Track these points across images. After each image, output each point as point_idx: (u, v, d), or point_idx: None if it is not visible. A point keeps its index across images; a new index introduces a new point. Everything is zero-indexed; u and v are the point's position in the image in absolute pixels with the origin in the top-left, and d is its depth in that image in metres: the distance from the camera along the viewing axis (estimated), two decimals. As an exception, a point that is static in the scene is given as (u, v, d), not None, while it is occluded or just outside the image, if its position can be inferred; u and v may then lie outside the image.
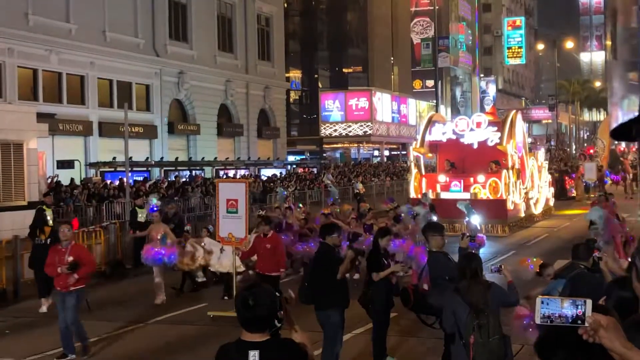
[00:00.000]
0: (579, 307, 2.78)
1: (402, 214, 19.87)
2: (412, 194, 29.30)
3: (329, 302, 9.84)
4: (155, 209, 18.35)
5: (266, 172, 47.80)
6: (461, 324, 7.37)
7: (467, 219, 19.52)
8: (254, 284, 4.64)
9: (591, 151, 56.57)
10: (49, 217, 17.71)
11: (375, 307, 10.33)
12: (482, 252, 19.17)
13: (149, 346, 12.52)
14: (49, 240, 15.77)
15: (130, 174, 30.19)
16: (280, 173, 47.61)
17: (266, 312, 4.40)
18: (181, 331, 13.42)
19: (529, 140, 35.85)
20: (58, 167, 33.04)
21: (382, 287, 10.30)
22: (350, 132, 68.83)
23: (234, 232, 14.28)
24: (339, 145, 71.67)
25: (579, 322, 2.78)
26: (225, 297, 15.90)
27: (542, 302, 2.72)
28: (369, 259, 10.84)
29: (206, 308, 15.06)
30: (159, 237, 16.17)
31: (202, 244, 16.92)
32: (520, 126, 31.03)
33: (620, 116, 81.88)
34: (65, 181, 31.62)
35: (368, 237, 18.86)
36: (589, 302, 2.80)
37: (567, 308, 2.78)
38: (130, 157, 30.58)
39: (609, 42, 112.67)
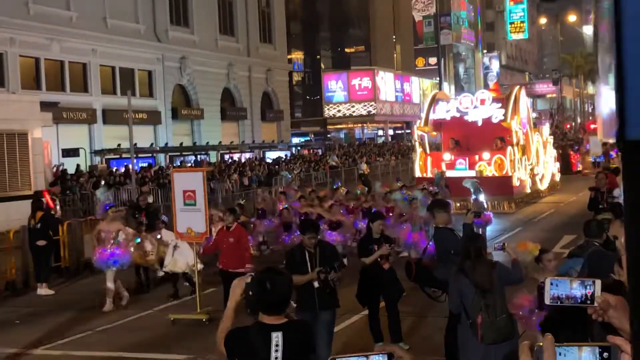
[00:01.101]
0: (588, 287, 2.78)
1: (397, 200, 19.22)
2: (417, 173, 29.31)
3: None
4: (107, 207, 16.19)
5: (271, 155, 47.81)
6: (467, 304, 7.40)
7: (473, 196, 19.51)
8: (270, 268, 4.93)
9: (592, 126, 56.37)
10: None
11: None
12: (489, 230, 19.21)
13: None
14: (39, 225, 16.09)
15: (135, 161, 30.23)
16: (285, 155, 47.60)
17: (282, 295, 4.73)
18: (135, 339, 12.04)
19: (534, 115, 35.72)
20: (63, 156, 33.11)
21: (367, 272, 10.21)
22: (354, 112, 68.70)
23: (193, 226, 13.03)
24: (343, 126, 71.56)
25: (588, 302, 2.79)
26: (171, 299, 14.60)
27: (552, 284, 2.73)
28: (359, 244, 10.95)
29: (167, 310, 13.72)
30: (112, 237, 14.38)
31: (158, 236, 15.53)
32: (524, 102, 30.92)
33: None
34: (70, 169, 31.70)
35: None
36: (598, 282, 2.81)
37: (576, 289, 2.78)
38: (135, 144, 30.62)
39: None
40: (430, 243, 10.44)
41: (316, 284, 8.80)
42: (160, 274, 15.69)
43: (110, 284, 14.17)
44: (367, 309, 10.46)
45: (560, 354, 1.96)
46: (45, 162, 25.20)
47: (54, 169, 29.22)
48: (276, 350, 4.62)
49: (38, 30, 33.92)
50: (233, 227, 12.85)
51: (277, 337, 4.63)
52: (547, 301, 2.75)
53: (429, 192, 19.76)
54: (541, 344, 1.94)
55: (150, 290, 15.70)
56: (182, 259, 14.48)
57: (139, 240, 15.14)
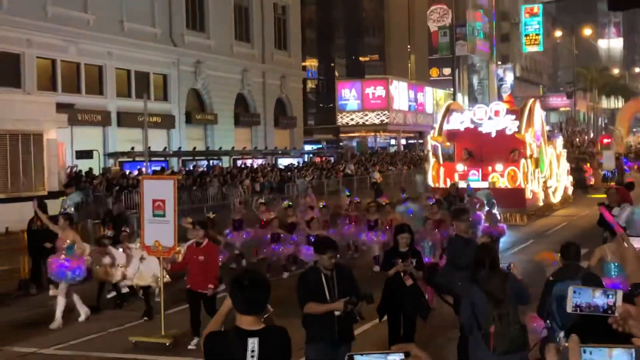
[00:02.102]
0: (610, 296, 2.81)
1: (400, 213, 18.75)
2: (430, 183, 29.34)
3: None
4: (64, 213, 15.16)
5: (283, 162, 47.86)
6: (480, 314, 7.37)
7: (486, 208, 19.47)
8: (248, 269, 4.93)
9: (605, 140, 56.17)
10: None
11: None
12: (502, 241, 19.19)
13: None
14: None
15: (148, 164, 30.33)
16: (298, 162, 47.64)
17: (260, 294, 4.67)
18: None
19: (547, 128, 35.68)
20: (77, 157, 33.23)
21: (389, 286, 9.75)
22: (367, 120, 68.66)
23: (162, 239, 11.69)
24: (356, 134, 71.51)
25: (609, 311, 2.81)
26: (145, 318, 13.43)
27: (575, 292, 2.76)
28: (384, 257, 10.59)
29: (127, 331, 12.66)
30: (64, 246, 13.42)
31: (120, 249, 14.48)
32: (539, 114, 30.93)
33: None
34: (84, 171, 31.82)
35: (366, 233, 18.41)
36: (620, 292, 2.84)
37: (598, 298, 2.81)
38: (149, 147, 30.71)
39: None
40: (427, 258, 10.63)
41: (337, 312, 7.65)
42: (125, 289, 14.60)
43: (60, 297, 13.06)
44: (388, 325, 9.80)
45: (588, 352, 1.98)
46: (60, 164, 25.33)
47: (68, 170, 29.35)
48: (252, 356, 4.58)
49: (55, 32, 34.11)
50: (204, 244, 11.74)
51: (253, 343, 4.59)
52: (569, 309, 2.77)
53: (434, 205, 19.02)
54: (567, 344, 1.96)
55: (101, 315, 14.09)
56: (148, 271, 13.28)
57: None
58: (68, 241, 13.44)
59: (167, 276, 13.35)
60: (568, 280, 7.76)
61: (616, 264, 10.20)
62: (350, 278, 7.99)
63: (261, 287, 4.73)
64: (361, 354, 2.21)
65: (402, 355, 2.19)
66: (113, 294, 14.70)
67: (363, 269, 16.77)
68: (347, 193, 24.56)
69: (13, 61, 32.80)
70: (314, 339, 7.75)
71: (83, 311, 13.42)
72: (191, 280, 11.73)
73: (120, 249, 14.36)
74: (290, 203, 20.74)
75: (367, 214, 18.79)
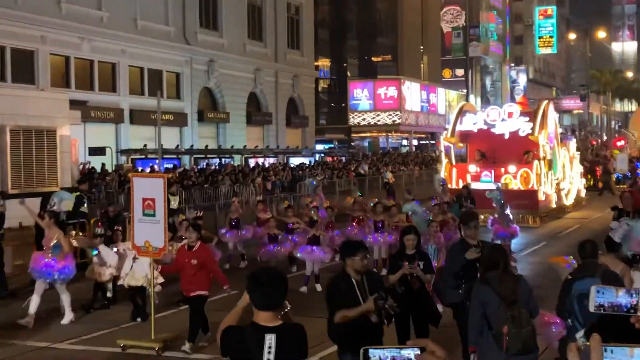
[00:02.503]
0: (634, 296, 2.78)
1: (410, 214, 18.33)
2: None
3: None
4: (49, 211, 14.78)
5: (295, 161, 47.89)
6: (491, 314, 7.31)
7: (497, 214, 19.38)
8: (267, 266, 4.98)
9: (619, 143, 55.91)
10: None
11: None
12: (514, 243, 19.11)
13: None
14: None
15: (161, 161, 30.36)
16: (310, 162, 47.65)
17: (277, 290, 4.71)
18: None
19: (560, 130, 35.56)
20: (90, 154, 33.34)
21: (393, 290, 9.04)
22: (378, 121, 68.67)
23: (152, 239, 11.21)
24: (367, 134, 71.54)
25: (632, 311, 2.79)
26: (138, 319, 12.98)
27: (597, 291, 2.73)
28: (390, 260, 10.45)
29: (115, 334, 12.25)
30: (51, 245, 13.09)
31: (115, 249, 14.00)
32: (553, 116, 30.81)
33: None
34: (96, 168, 31.93)
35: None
36: None
37: (621, 297, 2.78)
38: (161, 145, 30.78)
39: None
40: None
41: (374, 318, 7.05)
42: (109, 293, 14.15)
43: (36, 296, 12.82)
44: (396, 331, 9.01)
45: (609, 351, 1.95)
46: (73, 160, 25.38)
47: (81, 167, 29.44)
48: (269, 352, 4.61)
49: (69, 29, 34.24)
50: (196, 247, 11.27)
51: (270, 339, 4.62)
52: (591, 308, 2.74)
53: (435, 206, 18.54)
54: (588, 343, 1.94)
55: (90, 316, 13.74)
56: (141, 271, 12.74)
57: (96, 252, 13.91)
58: (54, 240, 13.11)
59: (161, 277, 12.84)
60: (587, 278, 7.72)
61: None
62: (380, 282, 7.68)
63: (279, 283, 4.75)
64: (376, 348, 2.19)
65: (417, 350, 2.17)
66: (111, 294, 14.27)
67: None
68: (359, 193, 24.34)
69: (27, 58, 32.96)
70: (347, 348, 7.19)
71: (68, 315, 13.06)
72: (184, 285, 11.30)
73: (115, 249, 13.95)
74: (290, 204, 20.14)
75: (373, 215, 18.17)
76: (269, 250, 16.92)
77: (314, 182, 28.16)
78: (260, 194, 30.46)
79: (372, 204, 19.16)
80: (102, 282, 13.98)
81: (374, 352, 2.18)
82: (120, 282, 13.44)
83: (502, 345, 7.25)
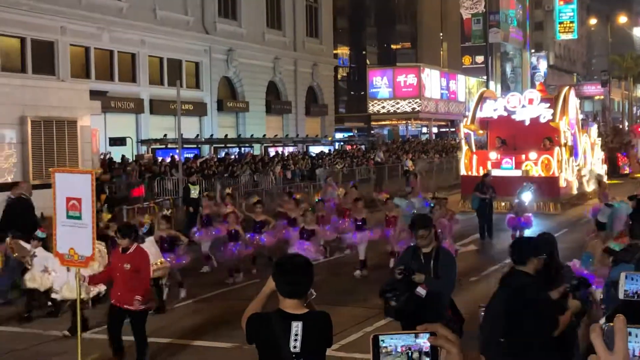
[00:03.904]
0: None
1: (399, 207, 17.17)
2: (463, 171, 29.15)
3: None
4: None
5: (314, 149, 47.84)
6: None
7: (516, 200, 19.31)
8: (292, 255, 5.03)
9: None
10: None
11: None
12: (532, 232, 18.98)
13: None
14: (105, 206, 16.95)
15: (181, 151, 30.46)
16: (329, 150, 47.60)
17: (303, 278, 4.76)
18: (187, 324, 12.03)
19: (581, 116, 35.26)
20: (110, 145, 33.46)
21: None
22: (398, 109, 68.43)
23: (77, 246, 9.42)
24: (387, 123, 71.29)
25: None
26: (66, 333, 11.56)
27: (627, 277, 2.69)
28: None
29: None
30: None
31: (31, 253, 12.75)
32: (574, 102, 30.55)
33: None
34: (117, 158, 32.06)
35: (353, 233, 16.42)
36: None
37: None
38: (181, 134, 30.84)
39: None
40: None
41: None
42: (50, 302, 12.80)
43: None
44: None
45: (634, 334, 1.92)
46: (93, 150, 25.49)
47: (101, 157, 29.57)
48: (295, 340, 4.66)
49: (89, 20, 34.33)
50: (131, 250, 9.88)
51: (297, 327, 4.67)
52: (620, 295, 2.71)
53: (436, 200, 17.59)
54: (612, 324, 1.90)
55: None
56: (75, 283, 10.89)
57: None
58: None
59: (99, 287, 11.69)
60: (623, 263, 7.62)
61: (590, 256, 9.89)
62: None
63: (304, 271, 4.79)
64: (387, 334, 2.14)
65: (428, 335, 2.13)
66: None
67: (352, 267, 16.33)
68: (352, 185, 22.52)
69: (47, 49, 33.10)
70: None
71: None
72: (116, 294, 9.89)
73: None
74: (260, 198, 18.62)
75: (354, 212, 16.91)
76: (229, 250, 15.41)
77: (325, 172, 27.76)
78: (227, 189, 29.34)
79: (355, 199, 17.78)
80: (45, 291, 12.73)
81: (384, 339, 2.12)
82: (54, 295, 12.23)
83: None
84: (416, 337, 2.11)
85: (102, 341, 10.70)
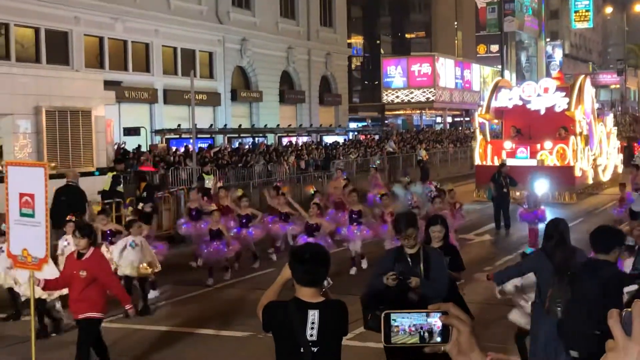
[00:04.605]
0: None
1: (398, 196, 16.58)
2: (477, 161, 29.04)
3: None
4: None
5: (328, 139, 47.80)
6: (543, 282, 7.47)
7: (525, 193, 18.96)
8: (309, 244, 5.02)
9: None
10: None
11: None
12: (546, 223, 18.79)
13: None
14: (144, 194, 17.72)
15: (195, 141, 30.53)
16: (343, 140, 47.54)
17: (320, 267, 4.78)
18: (197, 313, 12.01)
19: (597, 105, 35.05)
20: (124, 135, 33.54)
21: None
22: (412, 98, 68.24)
23: (30, 247, 8.64)
24: (401, 112, 71.14)
25: None
26: (41, 336, 10.68)
27: None
28: None
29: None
30: None
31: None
32: (589, 92, 30.35)
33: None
34: (131, 148, 32.12)
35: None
36: None
37: None
38: (195, 124, 30.88)
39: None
40: None
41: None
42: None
43: None
44: None
45: None
46: (108, 140, 25.54)
47: (116, 147, 29.64)
48: (312, 328, 4.70)
49: (102, 10, 34.36)
50: (87, 255, 8.61)
51: (313, 315, 4.70)
52: None
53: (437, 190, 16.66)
54: (630, 309, 1.87)
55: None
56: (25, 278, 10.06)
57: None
58: None
59: (56, 293, 10.76)
60: None
61: None
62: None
63: (322, 260, 4.82)
64: (398, 312, 2.13)
65: (440, 314, 2.12)
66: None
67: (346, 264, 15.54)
68: (344, 176, 21.80)
69: (62, 39, 33.16)
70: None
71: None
72: (72, 304, 8.83)
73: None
74: (244, 192, 17.84)
75: (350, 204, 16.15)
76: (214, 249, 14.52)
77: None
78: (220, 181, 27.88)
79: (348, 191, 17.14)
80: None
81: (396, 317, 2.10)
82: (16, 289, 11.55)
83: (546, 309, 7.26)
84: (428, 316, 2.09)
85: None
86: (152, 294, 13.20)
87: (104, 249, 12.06)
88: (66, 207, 15.20)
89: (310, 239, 13.84)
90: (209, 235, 14.57)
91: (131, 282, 12.43)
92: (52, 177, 21.21)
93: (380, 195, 16.52)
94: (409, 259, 6.99)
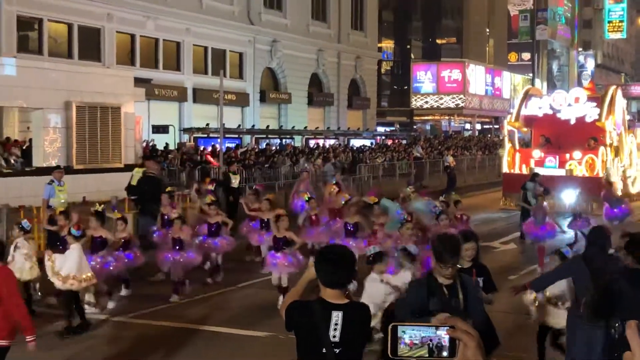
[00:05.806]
0: None
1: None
2: (505, 169, 28.83)
3: None
4: None
5: (355, 143, 47.74)
6: (579, 289, 7.52)
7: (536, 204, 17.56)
8: (336, 245, 5.04)
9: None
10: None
11: None
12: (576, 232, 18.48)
13: None
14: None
15: (222, 140, 30.63)
16: (371, 144, 47.46)
17: (346, 268, 4.78)
18: (222, 314, 11.90)
19: (628, 117, 34.67)
20: (153, 132, 33.76)
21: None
22: (441, 104, 67.94)
23: None
24: (430, 118, 70.89)
25: None
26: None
27: None
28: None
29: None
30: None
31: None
32: (620, 102, 30.03)
33: None
34: (159, 145, 32.32)
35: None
36: None
37: None
38: (223, 124, 30.98)
39: None
40: None
41: None
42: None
43: None
44: None
45: None
46: (136, 137, 25.71)
47: (144, 144, 29.81)
48: (335, 329, 4.68)
49: (135, 8, 34.62)
50: None
51: (337, 316, 4.70)
52: None
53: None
54: None
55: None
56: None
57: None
58: None
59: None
60: None
61: None
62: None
63: (348, 262, 4.82)
64: (406, 325, 2.13)
65: (447, 328, 2.12)
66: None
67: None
68: (334, 181, 19.51)
69: (94, 35, 33.47)
70: None
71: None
72: None
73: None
74: (214, 199, 15.66)
75: (345, 216, 14.78)
76: (173, 258, 13.02)
77: (333, 168, 26.76)
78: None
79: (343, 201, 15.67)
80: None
81: (405, 329, 2.11)
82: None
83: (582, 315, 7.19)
84: (436, 329, 2.10)
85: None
86: (124, 292, 12.95)
87: (46, 257, 11.20)
88: (151, 196, 16.24)
89: (278, 255, 12.36)
90: (172, 244, 13.16)
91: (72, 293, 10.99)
92: (79, 172, 21.39)
93: (373, 202, 14.31)
94: (445, 291, 5.94)
